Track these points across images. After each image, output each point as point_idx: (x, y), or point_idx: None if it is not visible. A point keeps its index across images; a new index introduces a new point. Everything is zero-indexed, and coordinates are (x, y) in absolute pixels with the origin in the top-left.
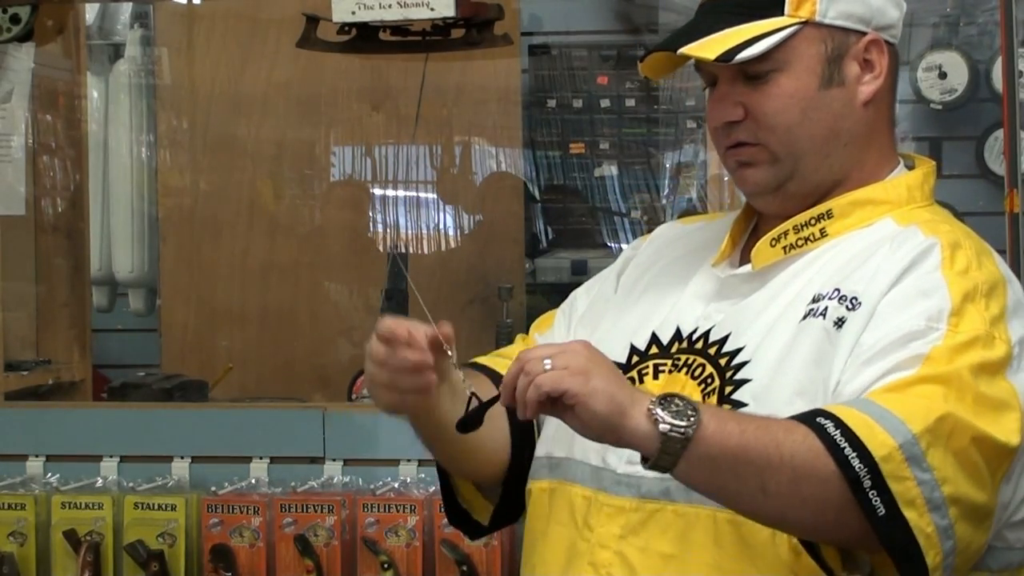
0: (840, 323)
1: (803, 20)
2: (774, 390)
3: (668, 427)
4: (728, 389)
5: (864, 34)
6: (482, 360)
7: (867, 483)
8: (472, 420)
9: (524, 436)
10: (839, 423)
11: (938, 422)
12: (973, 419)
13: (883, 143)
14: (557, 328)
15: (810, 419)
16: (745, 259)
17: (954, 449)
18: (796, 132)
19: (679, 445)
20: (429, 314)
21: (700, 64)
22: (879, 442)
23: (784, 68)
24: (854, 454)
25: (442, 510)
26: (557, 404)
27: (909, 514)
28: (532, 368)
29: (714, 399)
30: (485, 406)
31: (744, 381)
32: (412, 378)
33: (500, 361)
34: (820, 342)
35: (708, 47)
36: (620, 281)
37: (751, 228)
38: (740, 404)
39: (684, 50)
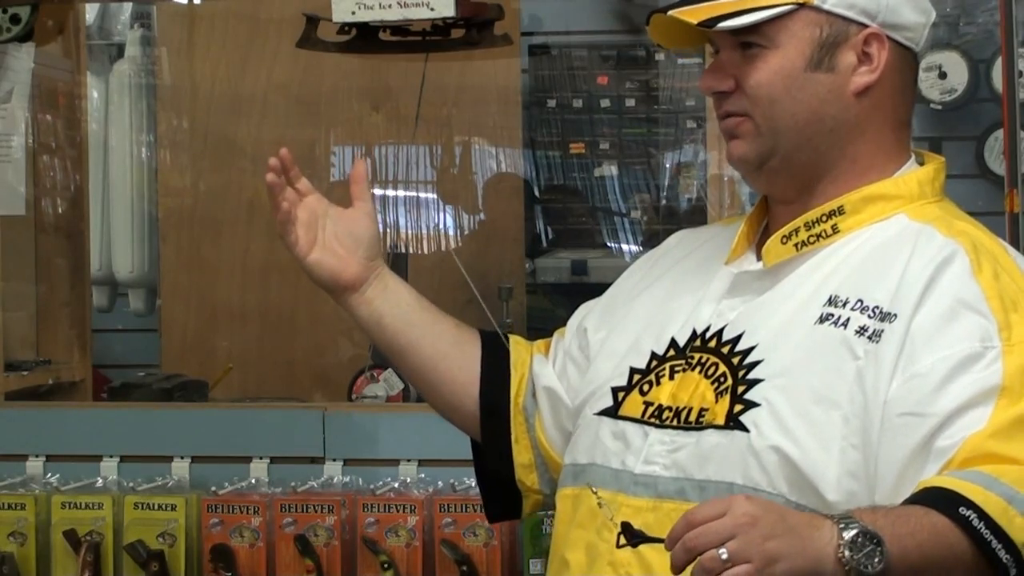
0: (871, 335)
1: (801, 2)
2: (787, 394)
3: (869, 569)
4: (741, 389)
5: (864, 25)
6: (516, 337)
7: (1013, 571)
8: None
9: (497, 375)
10: (982, 514)
11: None
12: None
13: (883, 140)
14: (563, 347)
15: (952, 510)
16: (760, 256)
17: None
18: (778, 107)
19: None
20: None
21: (709, 34)
22: (1017, 527)
23: (775, 45)
24: (1000, 546)
25: (443, 509)
26: None
27: None
28: (710, 566)
29: (727, 398)
30: (644, 539)
31: (757, 381)
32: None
33: (520, 346)
34: (839, 351)
35: (696, 12)
36: (640, 288)
37: (764, 225)
38: (753, 404)
39: (673, 12)
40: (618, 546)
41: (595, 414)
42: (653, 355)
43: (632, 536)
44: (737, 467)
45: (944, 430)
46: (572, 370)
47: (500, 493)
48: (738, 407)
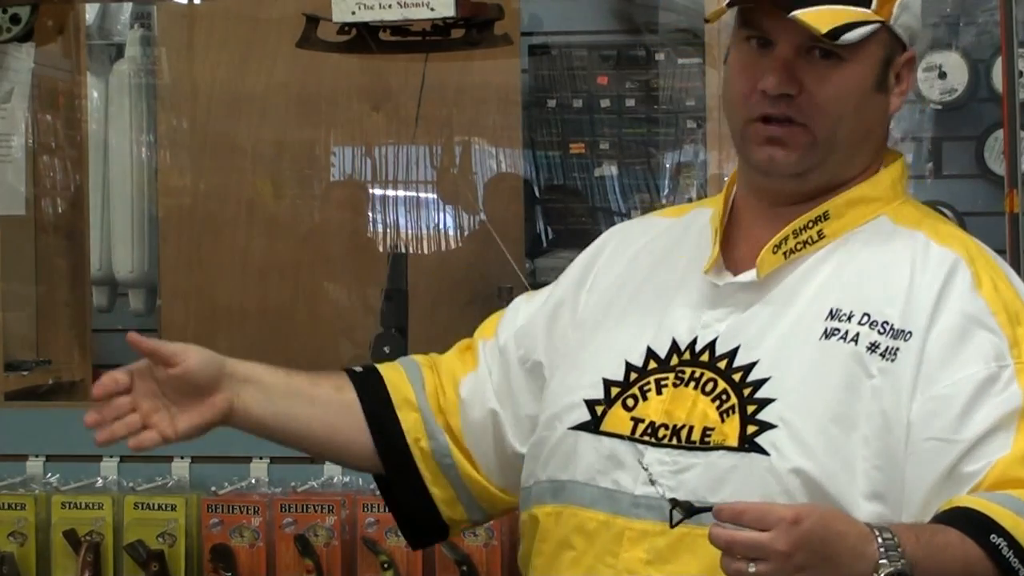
0: (884, 353)
1: (883, 19)
2: (805, 414)
3: None
4: (751, 409)
5: (906, 49)
6: (394, 364)
7: None
8: None
9: (383, 419)
10: (1012, 542)
11: None
12: None
13: (880, 151)
14: (500, 337)
15: (983, 538)
16: (729, 263)
17: None
18: (843, 124)
19: None
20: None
21: (761, 19)
22: None
23: (852, 59)
24: None
25: None
26: None
27: None
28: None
29: (736, 418)
30: (696, 509)
31: (768, 400)
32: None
33: (395, 374)
34: (852, 368)
35: (821, 18)
36: (586, 296)
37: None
38: (768, 426)
39: (798, 14)
40: (672, 525)
41: (570, 428)
42: (630, 366)
43: (686, 510)
44: (757, 490)
45: (970, 455)
46: (520, 379)
47: (417, 521)
48: (751, 428)
